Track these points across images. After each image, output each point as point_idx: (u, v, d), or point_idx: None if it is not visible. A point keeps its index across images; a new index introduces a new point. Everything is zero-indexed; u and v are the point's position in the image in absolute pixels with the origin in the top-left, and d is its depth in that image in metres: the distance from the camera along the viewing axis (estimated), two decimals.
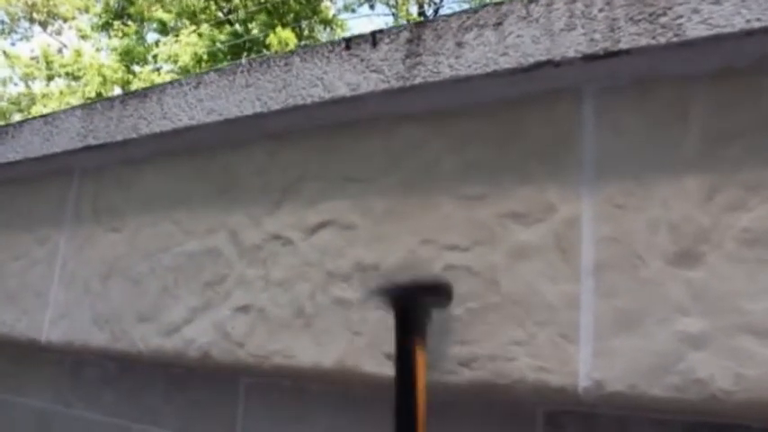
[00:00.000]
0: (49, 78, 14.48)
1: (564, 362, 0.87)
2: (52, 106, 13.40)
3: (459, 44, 0.99)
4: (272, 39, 13.82)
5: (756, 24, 0.80)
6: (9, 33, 15.27)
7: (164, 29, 14.90)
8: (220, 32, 14.54)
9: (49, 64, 14.08)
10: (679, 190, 0.86)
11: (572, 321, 0.88)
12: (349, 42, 1.11)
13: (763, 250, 0.79)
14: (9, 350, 1.80)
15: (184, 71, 12.88)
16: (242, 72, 1.24)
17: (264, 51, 14.59)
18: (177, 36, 13.51)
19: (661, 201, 0.86)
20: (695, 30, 0.84)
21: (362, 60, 1.08)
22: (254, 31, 14.96)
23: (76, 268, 1.51)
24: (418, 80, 1.02)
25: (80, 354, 1.57)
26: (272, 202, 1.21)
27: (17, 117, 14.28)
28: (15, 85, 14.65)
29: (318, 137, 1.18)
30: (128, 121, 1.41)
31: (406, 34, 1.05)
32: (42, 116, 1.64)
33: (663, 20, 0.86)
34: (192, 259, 1.29)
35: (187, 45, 12.79)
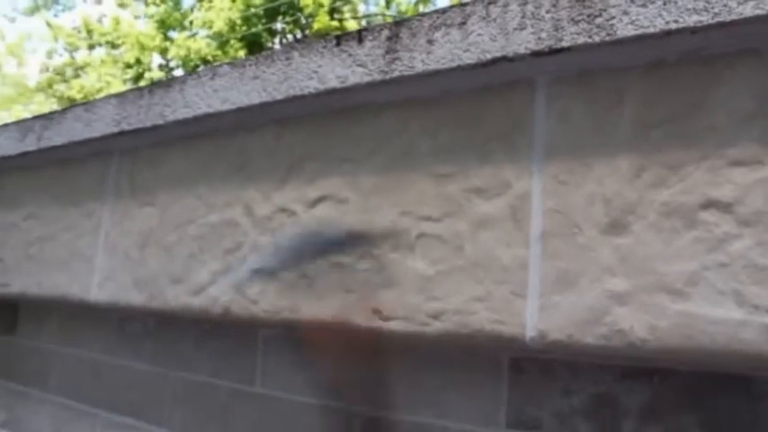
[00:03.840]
0: (91, 47, 14.84)
1: (515, 315, 1.03)
2: (93, 76, 13.75)
3: (430, 41, 1.13)
4: (306, 0, 13.84)
5: (674, 26, 0.92)
6: (52, 5, 15.64)
7: None
8: None
9: (89, 33, 14.42)
10: (612, 169, 0.99)
11: (522, 281, 1.04)
12: (339, 39, 1.26)
13: (678, 221, 0.93)
14: (64, 309, 2.04)
15: (218, 36, 13.05)
16: (250, 65, 1.40)
17: (298, 14, 14.62)
18: (212, 1, 13.63)
19: (597, 178, 1.00)
20: (624, 29, 0.96)
21: (350, 55, 1.23)
22: None
23: (118, 238, 1.72)
24: (396, 73, 1.16)
25: (124, 311, 1.79)
26: (279, 179, 1.38)
27: (62, 87, 14.71)
28: (60, 55, 15.05)
29: (316, 123, 1.34)
30: (155, 109, 1.59)
31: (386, 32, 1.19)
32: (83, 103, 1.83)
33: (598, 20, 0.98)
34: (214, 229, 1.48)
35: (221, 10, 12.93)
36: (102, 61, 14.10)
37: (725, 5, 0.89)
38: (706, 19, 0.90)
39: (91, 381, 1.94)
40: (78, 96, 13.51)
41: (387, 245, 1.19)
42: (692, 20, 0.91)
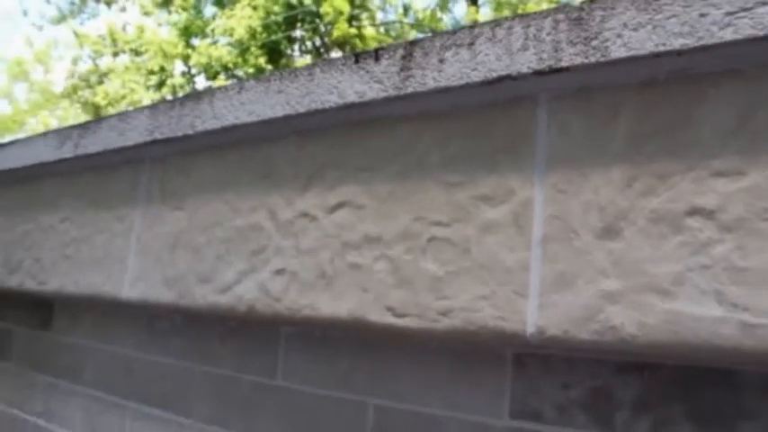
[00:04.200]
0: (115, 54, 15.12)
1: (516, 312, 1.12)
2: (117, 82, 14.01)
3: (441, 60, 1.23)
4: (326, 8, 14.00)
5: (662, 48, 1.01)
6: (78, 14, 15.98)
7: (220, 1, 15.26)
8: (275, 3, 14.78)
9: (114, 41, 14.70)
10: (607, 179, 1.08)
11: (523, 281, 1.13)
12: (358, 57, 1.36)
13: (665, 227, 1.02)
14: (98, 307, 2.16)
15: (239, 44, 13.25)
16: (275, 80, 1.50)
17: (317, 21, 14.78)
18: (233, 9, 13.85)
19: (593, 187, 1.09)
20: (618, 51, 1.05)
21: (368, 72, 1.33)
22: (308, 1, 15.13)
23: (149, 240, 1.83)
24: (410, 89, 1.26)
25: (154, 309, 1.90)
26: (301, 186, 1.48)
27: (86, 93, 15.01)
28: (84, 62, 15.37)
29: (336, 134, 1.44)
30: (186, 120, 1.70)
31: (401, 51, 1.29)
32: (117, 114, 1.95)
33: (594, 43, 1.07)
34: (240, 233, 1.59)
35: (242, 18, 13.13)
36: (126, 68, 14.37)
37: (707, 30, 0.97)
38: (691, 42, 0.99)
39: (122, 375, 2.05)
40: (103, 103, 13.79)
41: (402, 248, 1.28)
42: (678, 43, 1.00)
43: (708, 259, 0.98)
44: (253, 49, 13.72)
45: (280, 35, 14.38)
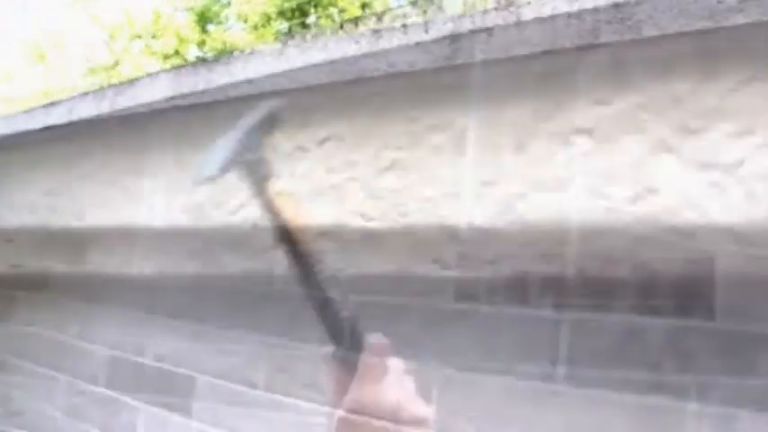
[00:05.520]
0: (131, 39, 15.61)
1: (454, 211, 1.53)
2: (133, 66, 14.49)
3: (404, 25, 1.63)
4: None
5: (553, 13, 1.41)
6: None
7: None
8: None
9: (130, 25, 15.20)
10: (520, 110, 1.48)
11: (460, 188, 1.53)
12: (342, 25, 1.76)
13: (559, 143, 1.42)
14: (125, 243, 2.59)
15: (253, 29, 13.67)
16: (278, 46, 1.91)
17: (330, 9, 15.14)
18: None
19: (510, 117, 1.49)
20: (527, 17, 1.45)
21: (349, 35, 1.74)
22: None
23: (174, 180, 2.25)
24: (380, 47, 1.67)
25: (176, 237, 2.33)
26: (298, 125, 1.89)
27: (102, 76, 15.49)
28: (98, 47, 15.91)
29: (326, 84, 1.85)
30: (206, 77, 2.12)
31: (376, 21, 1.70)
32: (146, 75, 2.37)
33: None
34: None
35: (257, 4, 13.55)
36: (141, 52, 14.86)
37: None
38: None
39: (147, 296, 2.48)
40: None
41: (371, 169, 1.69)
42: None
43: (586, 166, 1.38)
44: (267, 35, 14.13)
45: (293, 21, 14.76)
